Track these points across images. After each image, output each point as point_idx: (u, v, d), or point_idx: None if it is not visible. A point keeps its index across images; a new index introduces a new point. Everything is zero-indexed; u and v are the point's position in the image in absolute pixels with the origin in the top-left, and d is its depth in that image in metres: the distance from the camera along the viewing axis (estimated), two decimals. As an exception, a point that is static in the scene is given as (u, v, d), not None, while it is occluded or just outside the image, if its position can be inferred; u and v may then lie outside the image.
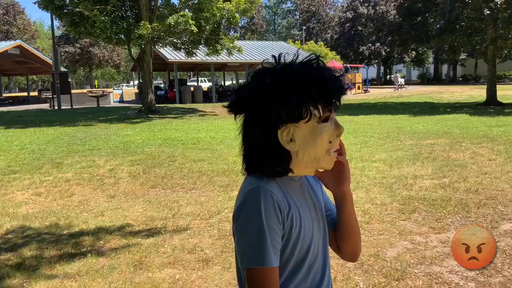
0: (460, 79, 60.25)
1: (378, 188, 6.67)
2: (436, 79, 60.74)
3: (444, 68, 66.09)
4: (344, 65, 42.83)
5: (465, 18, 20.64)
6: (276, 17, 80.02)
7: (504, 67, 52.38)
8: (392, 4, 49.10)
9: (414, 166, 8.18)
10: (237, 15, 21.66)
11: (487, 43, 22.18)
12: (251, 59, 31.05)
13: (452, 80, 59.19)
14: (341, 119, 7.35)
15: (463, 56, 51.28)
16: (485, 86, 23.82)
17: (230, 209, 5.78)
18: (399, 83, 41.81)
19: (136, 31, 18.81)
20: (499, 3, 17.50)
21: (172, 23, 18.78)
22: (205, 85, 45.35)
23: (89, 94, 32.75)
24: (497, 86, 23.83)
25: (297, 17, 74.92)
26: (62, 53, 53.29)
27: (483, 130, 12.89)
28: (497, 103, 22.00)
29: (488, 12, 17.98)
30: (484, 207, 5.59)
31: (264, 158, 1.19)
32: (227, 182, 7.33)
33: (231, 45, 21.97)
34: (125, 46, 22.91)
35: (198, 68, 38.90)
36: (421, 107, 22.81)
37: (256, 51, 32.83)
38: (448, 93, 32.89)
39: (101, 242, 4.71)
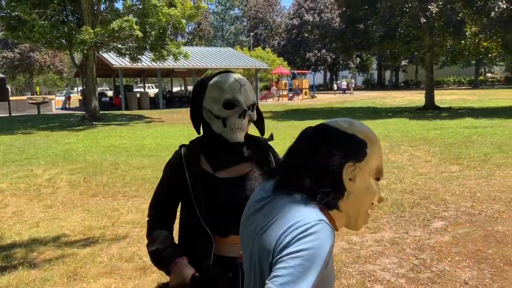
0: (402, 84, 62.74)
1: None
2: (379, 85, 62.93)
3: (387, 74, 68.64)
4: (292, 71, 43.51)
5: (403, 26, 21.56)
6: (224, 23, 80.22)
7: (442, 73, 55.05)
8: (337, 12, 50.54)
9: (355, 169, 8.42)
10: (183, 20, 21.55)
11: (424, 50, 23.28)
12: (199, 65, 30.93)
13: (395, 86, 61.52)
14: (288, 125, 7.65)
15: (404, 62, 53.46)
16: (424, 91, 24.93)
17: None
18: (344, 88, 43.12)
19: (78, 36, 18.28)
20: (434, 12, 18.40)
21: (116, 28, 18.40)
22: (152, 91, 44.67)
23: (29, 101, 31.38)
24: (435, 91, 25.03)
25: (245, 23, 75.44)
26: (0, 58, 50.86)
27: (421, 133, 13.49)
28: (434, 107, 23.08)
29: (424, 20, 18.87)
30: (418, 206, 5.85)
31: (323, 182, 1.11)
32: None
33: (177, 50, 21.80)
34: (67, 52, 22.19)
35: (145, 74, 38.27)
36: (364, 112, 23.55)
37: (204, 57, 32.74)
38: (390, 98, 34.15)
39: (34, 254, 4.53)
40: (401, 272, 3.87)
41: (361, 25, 22.50)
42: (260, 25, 64.08)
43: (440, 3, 18.88)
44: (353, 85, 45.07)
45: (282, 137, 13.88)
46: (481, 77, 61.78)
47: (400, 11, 20.76)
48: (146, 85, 45.01)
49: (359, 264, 4.06)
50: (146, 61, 26.01)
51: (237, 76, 1.82)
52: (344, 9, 23.55)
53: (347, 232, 4.94)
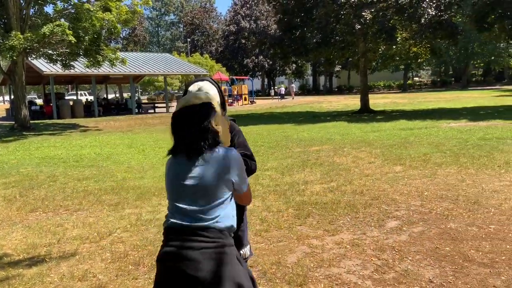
0: (336, 89, 64.83)
1: (273, 196, 6.78)
2: (315, 90, 64.62)
3: (322, 79, 70.66)
4: (230, 77, 43.55)
5: (339, 32, 22.21)
6: (159, 29, 78.89)
7: (372, 78, 57.44)
8: (272, 19, 51.27)
9: (304, 172, 8.48)
10: (118, 25, 20.86)
11: (358, 55, 24.11)
12: (135, 71, 30.13)
13: (329, 91, 63.42)
14: None
15: (337, 68, 55.23)
16: (358, 96, 25.79)
17: (123, 229, 5.43)
18: (282, 93, 43.88)
19: (7, 42, 17.16)
20: (368, 18, 19.10)
21: (47, 33, 17.46)
22: (85, 98, 42.95)
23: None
24: (369, 95, 25.97)
25: (181, 29, 74.65)
26: None
27: (361, 136, 13.88)
28: (369, 110, 23.93)
29: (359, 27, 19.53)
30: (370, 207, 5.94)
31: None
32: (116, 201, 6.91)
33: (114, 56, 21.07)
34: (-7, 58, 20.80)
35: (78, 81, 36.74)
36: (304, 116, 23.96)
37: (140, 63, 31.94)
38: (326, 103, 35.07)
39: (-29, 278, 4.09)
40: (366, 273, 3.87)
41: (298, 32, 22.92)
42: (197, 31, 63.68)
43: (373, 10, 19.62)
44: (294, 90, 46.06)
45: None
46: (409, 81, 65.16)
47: (336, 18, 21.38)
48: (78, 92, 43.20)
49: (324, 268, 4.02)
50: (80, 67, 24.94)
51: (200, 84, 2.56)
52: (281, 16, 23.87)
53: (307, 235, 4.91)
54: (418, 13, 19.57)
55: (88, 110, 29.82)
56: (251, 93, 42.77)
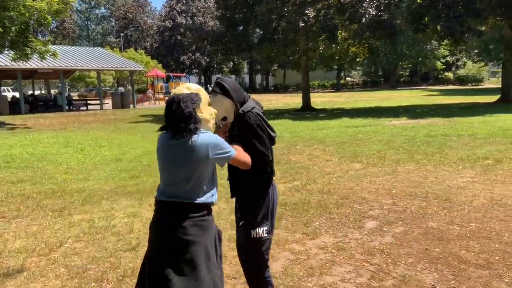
0: (272, 88, 65.30)
1: (237, 197, 6.33)
2: (251, 88, 64.66)
3: (258, 78, 70.90)
4: (167, 74, 42.36)
5: (281, 30, 22.09)
6: (89, 23, 75.34)
7: (310, 77, 58.47)
8: (209, 16, 50.61)
9: (263, 171, 8.09)
10: (48, 16, 19.36)
11: (300, 54, 24.17)
12: (66, 66, 28.31)
13: (265, 89, 63.75)
14: None
15: (274, 67, 55.56)
16: (295, 94, 25.89)
17: (75, 238, 4.76)
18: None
19: None
20: (311, 17, 19.11)
21: (-32, 21, 15.79)
22: (10, 94, 39.95)
23: None
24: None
25: (113, 23, 71.73)
26: None
27: (309, 134, 13.76)
28: (311, 109, 24.08)
29: (302, 24, 19.49)
30: (342, 206, 5.67)
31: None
32: (61, 205, 6.15)
33: (44, 49, 19.54)
34: None
35: (1, 76, 34.02)
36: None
37: (72, 57, 30.08)
38: (266, 101, 35.00)
39: None
40: (363, 281, 3.55)
41: (241, 28, 22.54)
42: (130, 26, 61.41)
43: (316, 8, 19.66)
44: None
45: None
46: (342, 81, 67.01)
47: (279, 15, 21.23)
48: (1, 88, 40.10)
49: (316, 277, 3.65)
50: (4, 60, 23.00)
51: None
52: (223, 11, 23.37)
53: (286, 240, 4.53)
54: (359, 12, 19.87)
55: (13, 107, 27.59)
56: (188, 90, 41.80)
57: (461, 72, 65.19)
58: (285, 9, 20.55)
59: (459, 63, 69.42)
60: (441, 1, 22.13)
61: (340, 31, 22.65)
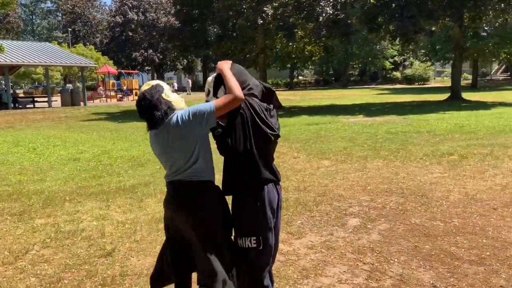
0: (225, 86, 64.87)
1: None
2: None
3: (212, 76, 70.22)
4: (118, 70, 41.12)
5: (240, 26, 21.87)
6: (34, 17, 71.95)
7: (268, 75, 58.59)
8: (162, 12, 49.61)
9: (232, 169, 7.87)
10: (-7, 8, 18.23)
11: (257, 51, 24.06)
12: (12, 61, 26.78)
13: (220, 87, 63.24)
14: (132, 126, 6.63)
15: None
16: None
17: (42, 244, 4.36)
18: (176, 89, 42.67)
19: None
20: (269, 14, 19.02)
21: None
22: None
23: None
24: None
25: (60, 18, 68.85)
26: None
27: (272, 131, 13.63)
28: (269, 106, 24.00)
29: (261, 21, 19.37)
30: (321, 204, 5.56)
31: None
32: (19, 209, 5.68)
33: (-12, 42, 18.36)
34: None
35: None
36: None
37: (17, 52, 28.50)
38: (222, 99, 34.69)
39: None
40: (360, 282, 3.42)
41: (198, 24, 22.13)
42: (78, 21, 59.10)
43: (276, 4, 19.59)
44: (190, 85, 45.16)
45: (132, 139, 12.63)
46: (295, 80, 67.66)
47: (237, 11, 21.00)
48: None
49: (311, 279, 3.48)
50: None
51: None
52: (179, 7, 22.84)
53: (272, 241, 4.33)
54: (317, 11, 19.98)
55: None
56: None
57: (408, 71, 67.40)
58: (243, 6, 20.36)
59: (406, 63, 71.76)
60: (395, 1, 22.65)
61: (297, 30, 22.73)
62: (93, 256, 4.04)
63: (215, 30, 22.18)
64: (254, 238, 2.43)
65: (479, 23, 24.43)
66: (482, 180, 6.52)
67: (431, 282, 3.35)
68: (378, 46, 58.76)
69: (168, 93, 2.49)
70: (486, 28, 37.21)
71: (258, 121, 2.44)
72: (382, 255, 3.90)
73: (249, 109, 2.44)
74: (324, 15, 19.87)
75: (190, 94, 43.57)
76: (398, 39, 25.35)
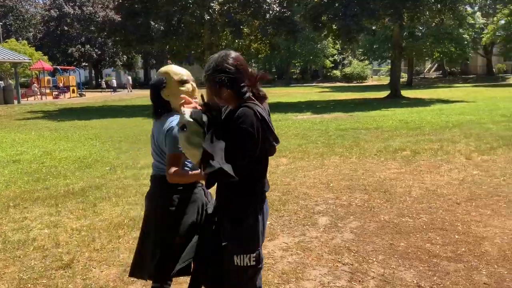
0: (169, 83, 63.71)
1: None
2: (147, 84, 62.51)
3: (153, 72, 68.74)
4: (54, 66, 39.12)
5: (186, 22, 21.37)
6: (-42, 9, 66.77)
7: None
8: (100, 6, 47.68)
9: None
10: None
11: (203, 48, 23.68)
12: None
13: (162, 85, 61.97)
14: (72, 125, 6.22)
15: (169, 62, 54.19)
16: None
17: None
18: (115, 86, 41.35)
19: None
20: (216, 10, 18.72)
21: None
22: None
23: None
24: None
25: (-12, 11, 64.38)
26: None
27: (222, 129, 13.40)
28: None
29: (208, 17, 19.02)
30: (288, 203, 5.43)
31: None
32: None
33: None
34: None
35: None
36: (150, 109, 22.20)
37: None
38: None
39: None
40: (344, 284, 3.30)
41: (141, 19, 21.38)
42: (10, 15, 55.60)
43: (221, 0, 19.32)
44: (130, 83, 43.84)
45: (75, 138, 11.94)
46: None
47: (182, 7, 20.50)
48: None
49: (293, 284, 3.32)
50: None
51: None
52: (121, 1, 21.98)
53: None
54: (263, 8, 19.92)
55: None
56: (79, 85, 39.10)
57: (347, 70, 69.30)
58: (189, 1, 19.90)
59: (346, 61, 73.76)
60: (338, 0, 23.06)
61: (243, 27, 22.58)
62: (50, 269, 3.66)
63: (158, 25, 21.49)
64: (254, 255, 2.19)
65: (417, 23, 25.42)
66: (439, 175, 6.66)
67: (415, 281, 3.29)
68: (319, 45, 59.97)
69: (170, 89, 2.50)
70: (421, 28, 38.95)
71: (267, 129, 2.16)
72: (360, 255, 3.81)
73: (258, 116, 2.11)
74: (271, 12, 19.83)
75: (131, 91, 42.31)
76: (341, 37, 25.88)
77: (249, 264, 2.18)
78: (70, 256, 3.91)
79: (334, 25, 24.68)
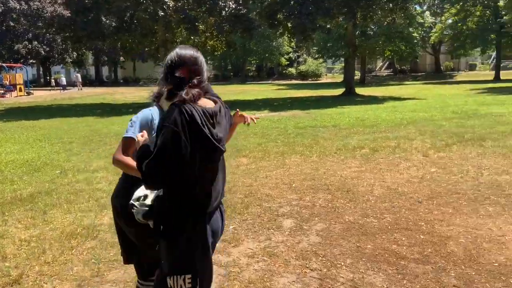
0: (122, 81, 62.20)
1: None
2: (98, 81, 60.70)
3: (105, 70, 66.86)
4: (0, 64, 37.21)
5: (140, 18, 20.76)
6: None
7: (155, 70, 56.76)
8: (48, 1, 45.70)
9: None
10: None
11: (157, 45, 23.14)
12: None
13: (114, 82, 60.42)
14: (20, 125, 5.86)
15: (122, 58, 52.79)
16: (146, 87, 24.83)
17: None
18: (64, 84, 39.93)
19: None
20: (171, 6, 18.29)
21: None
22: None
23: None
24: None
25: None
26: None
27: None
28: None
29: (162, 14, 18.56)
30: (251, 206, 5.27)
31: None
32: None
33: None
34: None
35: None
36: (101, 108, 21.77)
37: None
38: (119, 94, 33.04)
39: None
40: (313, 292, 3.18)
41: (92, 15, 20.59)
42: None
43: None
44: (80, 80, 42.45)
45: (22, 140, 11.31)
46: (194, 75, 66.73)
47: (135, 2, 19.89)
48: None
49: (261, 294, 3.17)
50: None
51: None
52: (70, -5, 21.10)
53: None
54: (219, 5, 19.67)
55: None
56: (26, 83, 37.39)
57: (302, 68, 70.00)
58: (142, -4, 19.35)
59: (300, 59, 74.50)
60: (294, -2, 23.15)
61: (198, 24, 22.23)
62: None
63: (111, 21, 20.76)
64: (189, 276, 1.97)
65: (370, 22, 25.91)
66: (398, 173, 6.71)
67: (385, 286, 3.22)
68: (274, 43, 60.23)
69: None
70: (373, 27, 39.80)
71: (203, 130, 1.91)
72: (327, 259, 3.71)
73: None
74: (226, 9, 19.61)
75: (81, 89, 40.92)
76: (296, 35, 26.02)
77: (184, 287, 1.96)
78: (19, 271, 3.60)
79: (289, 23, 24.77)
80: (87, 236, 4.40)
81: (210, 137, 1.91)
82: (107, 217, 4.98)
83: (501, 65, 44.84)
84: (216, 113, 2.02)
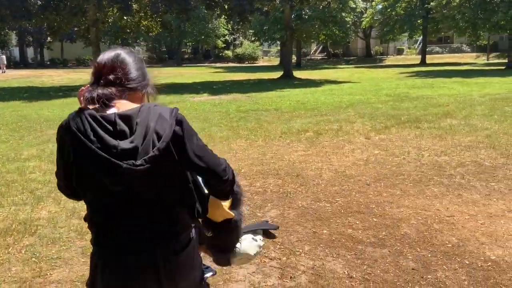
0: (48, 63, 58.89)
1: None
2: (23, 63, 57.09)
3: (30, 51, 62.85)
4: None
5: (68, -4, 19.55)
6: None
7: (87, 52, 54.31)
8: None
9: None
10: None
11: (88, 24, 21.96)
12: None
13: (41, 64, 57.08)
14: None
15: (49, 39, 49.85)
16: (80, 70, 23.75)
17: None
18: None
19: None
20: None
21: None
22: None
23: None
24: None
25: None
26: None
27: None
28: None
29: (93, -9, 17.58)
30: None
31: None
32: None
33: None
34: None
35: None
36: (28, 92, 20.38)
37: None
38: (47, 77, 31.20)
39: None
40: (275, 283, 3.09)
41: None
42: None
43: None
44: (5, 62, 39.59)
45: None
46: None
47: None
48: None
49: (220, 287, 3.04)
50: None
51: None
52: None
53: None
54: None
55: None
56: None
57: (239, 50, 69.69)
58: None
59: (237, 42, 74.10)
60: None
61: (131, 3, 21.32)
62: None
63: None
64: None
65: (306, 5, 26.11)
66: (344, 155, 6.79)
67: (346, 272, 3.20)
68: (210, 25, 59.37)
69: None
70: (308, 11, 40.22)
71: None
72: (286, 247, 3.64)
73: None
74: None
75: (5, 72, 38.21)
76: (233, 17, 25.71)
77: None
78: None
79: (226, 5, 24.41)
80: (24, 232, 4.04)
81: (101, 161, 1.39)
82: (45, 211, 4.62)
83: (427, 49, 47.07)
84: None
